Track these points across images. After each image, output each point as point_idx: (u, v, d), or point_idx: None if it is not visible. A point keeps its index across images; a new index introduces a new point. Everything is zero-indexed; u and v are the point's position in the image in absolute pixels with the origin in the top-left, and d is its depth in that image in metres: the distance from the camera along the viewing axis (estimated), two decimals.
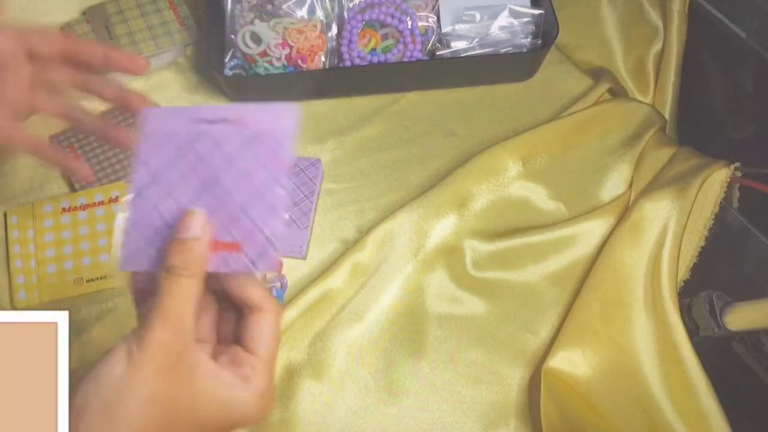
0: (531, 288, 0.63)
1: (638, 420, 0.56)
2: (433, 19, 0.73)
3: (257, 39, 0.71)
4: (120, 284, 0.63)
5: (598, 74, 0.75)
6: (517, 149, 0.67)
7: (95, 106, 0.72)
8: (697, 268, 0.63)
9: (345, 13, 0.72)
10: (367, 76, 0.74)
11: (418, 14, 0.72)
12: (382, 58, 0.72)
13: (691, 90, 0.79)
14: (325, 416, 0.58)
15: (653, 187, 0.64)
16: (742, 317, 0.55)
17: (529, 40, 0.73)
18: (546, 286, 0.63)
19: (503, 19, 0.72)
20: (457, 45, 0.72)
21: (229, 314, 0.38)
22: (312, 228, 0.66)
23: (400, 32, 0.72)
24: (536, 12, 0.72)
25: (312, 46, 0.71)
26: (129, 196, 0.37)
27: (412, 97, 0.75)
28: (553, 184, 0.68)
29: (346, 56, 0.72)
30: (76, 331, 0.62)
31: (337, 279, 0.61)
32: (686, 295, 0.61)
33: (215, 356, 0.36)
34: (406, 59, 0.72)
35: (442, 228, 0.65)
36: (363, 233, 0.64)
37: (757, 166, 0.63)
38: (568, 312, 0.61)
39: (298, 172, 0.68)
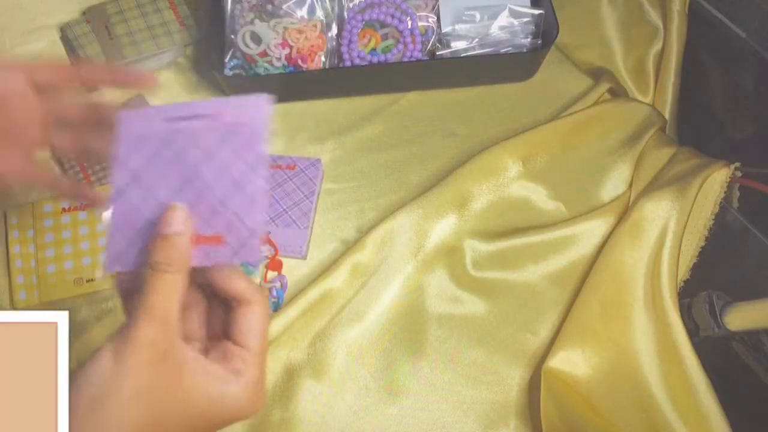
0: (531, 288, 0.63)
1: (638, 420, 0.56)
2: (433, 19, 0.73)
3: (257, 39, 0.71)
4: None
5: (598, 74, 0.75)
6: (517, 149, 0.67)
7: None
8: (697, 268, 0.63)
9: (345, 13, 0.72)
10: (367, 76, 0.74)
11: (418, 14, 0.72)
12: (382, 58, 0.72)
13: (691, 90, 0.79)
14: (325, 416, 0.58)
15: (653, 187, 0.64)
16: (742, 317, 0.55)
17: (529, 40, 0.73)
18: (546, 286, 0.63)
19: (503, 19, 0.72)
20: (457, 45, 0.72)
21: (218, 311, 0.38)
22: (312, 228, 0.66)
23: (400, 32, 0.72)
24: (536, 12, 0.72)
25: (312, 46, 0.71)
26: (110, 198, 0.37)
27: (412, 97, 0.75)
28: (553, 184, 0.68)
29: (346, 56, 0.72)
30: (76, 331, 0.62)
31: (337, 279, 0.62)
32: (686, 295, 0.61)
33: (206, 353, 0.36)
34: (406, 59, 0.72)
35: (442, 228, 0.65)
36: (363, 233, 0.64)
37: (757, 166, 0.63)
38: (568, 312, 0.61)
39: (298, 172, 0.68)
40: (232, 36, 0.72)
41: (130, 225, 0.37)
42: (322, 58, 0.72)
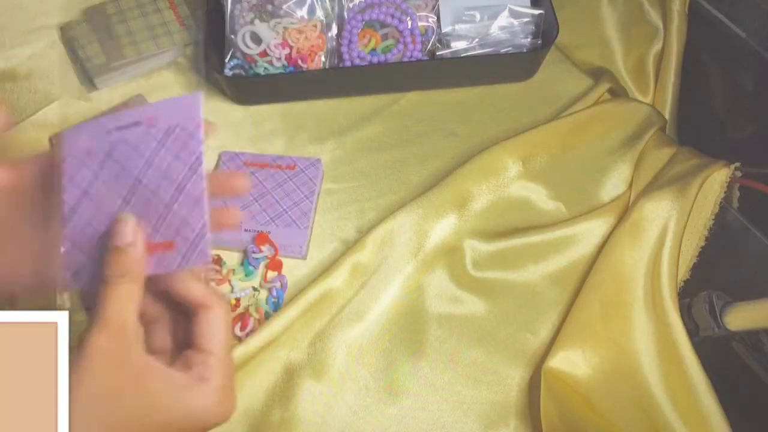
0: (531, 288, 0.63)
1: (638, 420, 0.56)
2: (433, 19, 0.73)
3: (257, 39, 0.71)
4: None
5: (598, 74, 0.75)
6: (517, 149, 0.67)
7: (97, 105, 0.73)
8: (697, 268, 0.63)
9: (345, 13, 0.72)
10: (367, 76, 0.74)
11: (418, 14, 0.72)
12: (382, 58, 0.72)
13: (691, 90, 0.79)
14: (325, 416, 0.58)
15: (653, 187, 0.64)
16: (742, 317, 0.55)
17: (529, 40, 0.73)
18: (546, 286, 0.63)
19: (503, 19, 0.72)
20: (457, 45, 0.72)
21: (183, 322, 0.38)
22: (312, 228, 0.66)
23: (400, 32, 0.72)
24: (536, 12, 0.72)
25: (312, 46, 0.71)
26: (64, 216, 0.37)
27: (412, 97, 0.75)
28: (553, 184, 0.68)
29: (346, 56, 0.72)
30: (76, 331, 0.62)
31: (337, 279, 0.61)
32: (686, 295, 0.61)
33: (172, 363, 0.36)
34: (406, 59, 0.72)
35: (442, 228, 0.65)
36: (363, 233, 0.64)
37: (757, 166, 0.63)
38: (568, 312, 0.61)
39: (298, 172, 0.68)
40: (232, 36, 0.72)
41: (85, 241, 0.37)
42: (322, 58, 0.72)
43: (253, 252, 0.64)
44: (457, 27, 0.72)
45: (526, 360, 0.60)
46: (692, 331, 0.58)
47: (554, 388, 0.57)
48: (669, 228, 0.60)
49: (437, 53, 0.72)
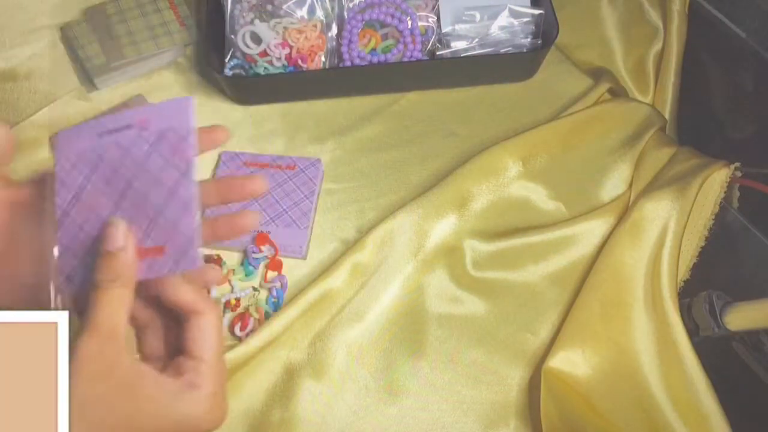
0: (531, 288, 0.63)
1: (638, 420, 0.56)
2: (433, 19, 0.73)
3: (257, 39, 0.71)
4: None
5: (598, 74, 0.75)
6: (517, 149, 0.67)
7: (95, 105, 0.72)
8: (697, 268, 0.63)
9: (345, 13, 0.72)
10: (367, 76, 0.74)
11: (418, 14, 0.72)
12: (382, 58, 0.72)
13: (691, 90, 0.79)
14: (325, 416, 0.58)
15: (653, 187, 0.64)
16: (742, 317, 0.55)
17: (529, 40, 0.73)
18: (546, 286, 0.63)
19: (503, 19, 0.72)
20: (457, 45, 0.72)
21: (175, 328, 0.38)
22: (312, 228, 0.66)
23: (400, 32, 0.72)
24: (536, 12, 0.72)
25: (312, 46, 0.71)
26: (57, 220, 0.37)
27: (412, 97, 0.75)
28: (553, 184, 0.68)
29: (346, 56, 0.72)
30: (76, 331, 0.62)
31: (337, 279, 0.61)
32: (686, 295, 0.61)
33: (164, 370, 0.36)
34: (406, 59, 0.72)
35: (442, 228, 0.65)
36: (363, 233, 0.64)
37: (757, 166, 0.63)
38: (568, 312, 0.61)
39: (298, 172, 0.68)
40: (232, 36, 0.72)
41: (77, 245, 0.37)
42: (322, 58, 0.72)
43: (253, 252, 0.64)
44: (457, 27, 0.72)
45: (526, 360, 0.60)
46: (692, 331, 0.58)
47: (554, 388, 0.57)
48: (669, 228, 0.60)
49: (437, 53, 0.72)
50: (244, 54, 0.72)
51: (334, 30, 0.72)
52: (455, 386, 0.59)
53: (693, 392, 0.55)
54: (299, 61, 0.71)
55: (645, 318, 0.59)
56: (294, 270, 0.64)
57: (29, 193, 0.40)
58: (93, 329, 0.33)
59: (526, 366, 0.60)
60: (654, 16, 0.79)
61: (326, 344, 0.60)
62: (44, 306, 0.38)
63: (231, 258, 0.65)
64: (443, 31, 0.73)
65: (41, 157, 0.70)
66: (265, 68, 0.72)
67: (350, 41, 0.72)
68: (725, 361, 0.61)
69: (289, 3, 0.72)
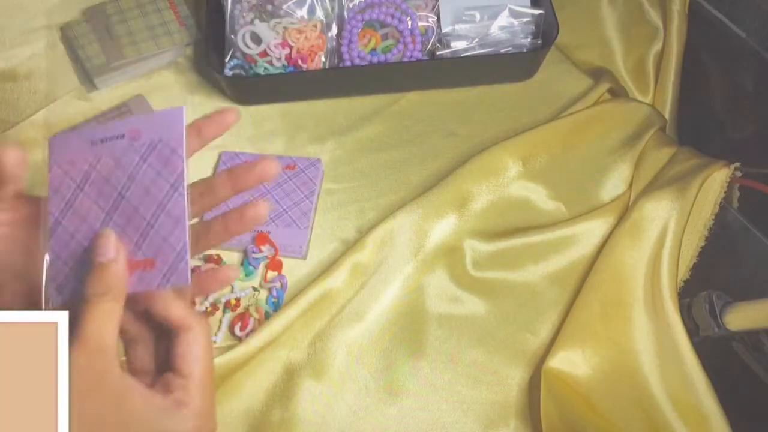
0: (531, 288, 0.63)
1: (638, 420, 0.56)
2: (433, 19, 0.73)
3: (257, 39, 0.71)
4: None
5: (598, 74, 0.75)
6: (517, 149, 0.67)
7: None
8: (697, 268, 0.63)
9: (345, 13, 0.72)
10: (367, 76, 0.74)
11: (418, 14, 0.72)
12: (382, 58, 0.72)
13: (691, 90, 0.79)
14: (325, 416, 0.58)
15: (653, 187, 0.64)
16: (742, 317, 0.55)
17: (529, 40, 0.73)
18: (546, 286, 0.63)
19: (503, 19, 0.72)
20: (457, 45, 0.72)
21: (165, 342, 0.38)
22: (312, 228, 0.66)
23: (400, 32, 0.72)
24: (536, 12, 0.72)
25: (312, 46, 0.71)
26: (50, 228, 0.37)
27: (412, 97, 0.75)
28: (553, 184, 0.68)
29: (346, 56, 0.72)
30: None
31: (337, 279, 0.61)
32: (686, 295, 0.61)
33: (152, 386, 0.36)
34: (406, 59, 0.72)
35: (442, 228, 0.65)
36: (363, 233, 0.64)
37: (757, 166, 0.63)
38: (568, 312, 0.61)
39: (298, 172, 0.68)
40: (232, 36, 0.72)
41: (69, 254, 0.36)
42: (322, 58, 0.72)
43: (253, 252, 0.64)
44: (457, 27, 0.73)
45: (526, 360, 0.60)
46: (692, 331, 0.58)
47: (554, 388, 0.57)
48: (669, 228, 0.60)
49: (437, 53, 0.72)
50: (244, 54, 0.72)
51: (334, 30, 0.72)
52: (455, 386, 0.59)
53: (693, 392, 0.55)
54: (299, 61, 0.71)
55: (645, 318, 0.59)
56: (294, 270, 0.64)
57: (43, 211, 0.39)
58: (82, 342, 0.33)
59: (526, 366, 0.60)
60: (654, 16, 0.79)
61: (326, 344, 0.60)
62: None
63: (231, 258, 0.65)
64: (443, 31, 0.73)
65: (41, 157, 0.70)
66: (265, 68, 0.72)
67: (350, 41, 0.72)
68: (725, 361, 0.61)
69: (289, 3, 0.72)
